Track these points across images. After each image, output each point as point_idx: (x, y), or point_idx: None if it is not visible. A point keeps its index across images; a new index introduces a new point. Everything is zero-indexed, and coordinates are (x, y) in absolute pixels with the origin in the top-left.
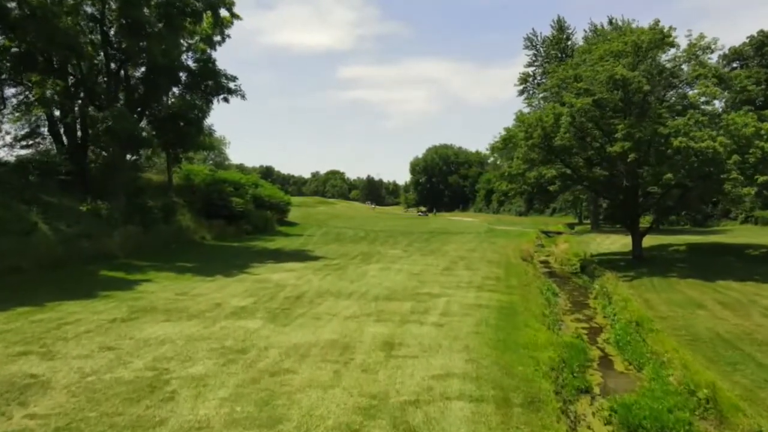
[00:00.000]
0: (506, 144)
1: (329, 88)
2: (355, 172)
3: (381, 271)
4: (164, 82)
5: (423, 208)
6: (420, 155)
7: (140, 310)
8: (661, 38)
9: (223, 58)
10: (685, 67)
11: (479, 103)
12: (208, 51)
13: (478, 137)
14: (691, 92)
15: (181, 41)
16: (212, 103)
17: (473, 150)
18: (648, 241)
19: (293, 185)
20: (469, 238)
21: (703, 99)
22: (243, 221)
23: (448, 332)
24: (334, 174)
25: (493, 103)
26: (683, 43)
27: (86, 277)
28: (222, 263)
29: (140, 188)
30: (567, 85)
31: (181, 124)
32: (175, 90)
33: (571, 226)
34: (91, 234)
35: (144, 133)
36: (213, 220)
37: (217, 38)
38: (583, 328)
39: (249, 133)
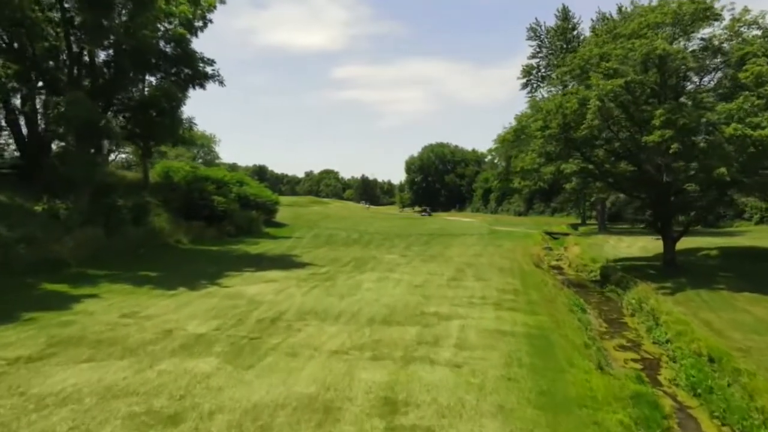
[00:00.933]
0: (518, 135)
1: (323, 87)
2: (349, 171)
3: (377, 283)
4: (132, 66)
5: (418, 208)
6: (415, 154)
7: (62, 341)
8: (704, 9)
9: (218, 57)
10: (726, 45)
11: (475, 103)
12: (188, 36)
13: (474, 137)
14: (741, 72)
15: (158, 25)
16: (188, 90)
17: (470, 149)
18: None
19: (287, 184)
20: (472, 240)
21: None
22: (225, 222)
23: (471, 379)
24: (328, 173)
25: (489, 103)
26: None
27: (20, 292)
28: (192, 272)
29: (110, 186)
30: (590, 66)
31: (154, 113)
32: (152, 79)
33: (574, 226)
34: (36, 238)
35: (105, 122)
36: (192, 221)
37: (198, 23)
38: (633, 359)
39: (243, 133)
